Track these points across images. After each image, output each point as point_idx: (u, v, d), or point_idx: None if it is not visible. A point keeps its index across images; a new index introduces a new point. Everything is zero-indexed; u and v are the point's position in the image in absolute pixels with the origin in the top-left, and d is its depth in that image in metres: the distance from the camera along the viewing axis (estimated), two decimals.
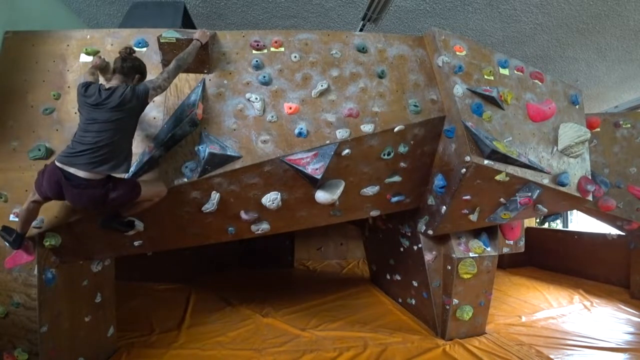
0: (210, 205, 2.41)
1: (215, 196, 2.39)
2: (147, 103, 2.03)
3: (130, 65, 2.05)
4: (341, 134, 2.46)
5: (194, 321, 3.53)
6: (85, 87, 1.94)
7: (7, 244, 2.05)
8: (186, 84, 2.42)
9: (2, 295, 2.11)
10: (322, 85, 2.49)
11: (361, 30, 4.12)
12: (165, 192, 2.20)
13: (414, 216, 3.34)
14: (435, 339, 3.18)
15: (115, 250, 2.53)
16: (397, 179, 2.87)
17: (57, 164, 1.86)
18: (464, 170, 2.56)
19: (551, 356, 2.84)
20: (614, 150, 3.99)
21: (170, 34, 2.30)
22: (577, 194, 2.92)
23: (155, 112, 2.35)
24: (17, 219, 2.12)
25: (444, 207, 2.86)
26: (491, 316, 3.53)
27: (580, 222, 8.22)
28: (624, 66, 5.09)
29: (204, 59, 2.39)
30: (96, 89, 1.91)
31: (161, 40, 2.29)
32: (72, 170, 1.85)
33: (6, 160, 2.25)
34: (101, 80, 2.19)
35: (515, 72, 2.89)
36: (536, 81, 2.95)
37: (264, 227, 2.70)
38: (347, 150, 2.51)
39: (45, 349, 2.13)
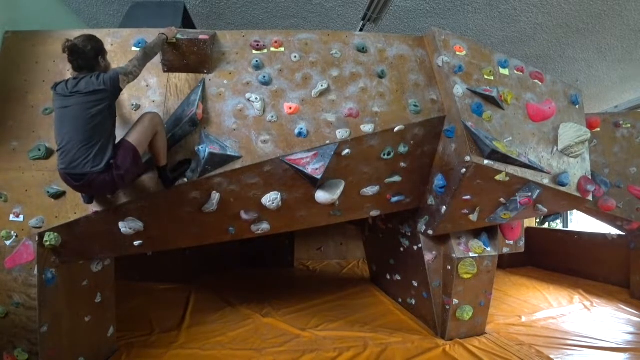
0: (211, 205, 2.41)
1: (215, 196, 2.39)
2: (120, 89, 1.93)
3: (84, 59, 1.92)
4: (341, 134, 2.46)
5: (194, 321, 3.53)
6: (55, 86, 1.92)
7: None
8: (186, 84, 2.42)
9: (2, 295, 2.11)
10: (322, 85, 2.49)
11: (361, 30, 4.11)
12: (158, 116, 2.11)
13: (414, 216, 3.34)
14: (435, 339, 3.18)
15: (115, 250, 2.52)
16: (397, 179, 2.87)
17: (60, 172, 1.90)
18: (464, 170, 2.56)
19: (551, 356, 2.84)
20: (614, 150, 3.99)
21: None
22: (577, 194, 2.92)
23: None
24: (17, 219, 2.12)
25: (444, 207, 2.86)
26: (491, 316, 3.52)
27: (580, 222, 8.21)
28: (624, 66, 5.09)
29: (204, 59, 2.39)
30: (64, 83, 1.89)
31: None
32: (71, 171, 1.85)
33: (6, 160, 2.25)
34: None
35: (515, 72, 2.88)
36: (536, 81, 2.95)
37: (264, 227, 2.70)
38: (347, 150, 2.51)
39: (45, 349, 2.13)
